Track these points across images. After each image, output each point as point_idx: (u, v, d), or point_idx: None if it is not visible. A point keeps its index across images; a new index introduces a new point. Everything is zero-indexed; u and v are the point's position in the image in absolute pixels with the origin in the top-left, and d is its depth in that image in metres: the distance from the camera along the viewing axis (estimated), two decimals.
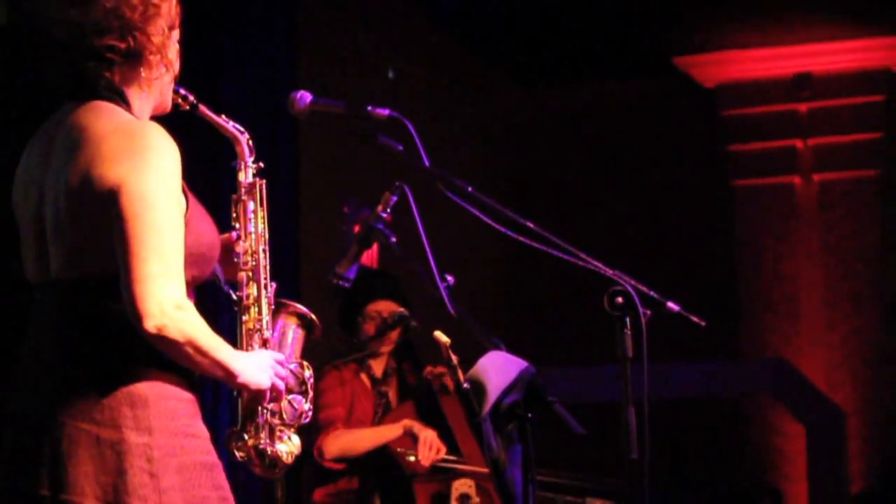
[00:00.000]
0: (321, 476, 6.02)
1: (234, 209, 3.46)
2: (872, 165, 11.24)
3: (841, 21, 10.48)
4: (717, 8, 10.15)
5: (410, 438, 5.91)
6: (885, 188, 11.27)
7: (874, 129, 11.20)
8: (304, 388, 3.42)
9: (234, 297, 3.41)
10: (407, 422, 5.94)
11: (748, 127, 11.43)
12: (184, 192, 3.10)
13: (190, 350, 3.00)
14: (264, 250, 3.44)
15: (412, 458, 5.86)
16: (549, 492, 6.03)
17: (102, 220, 2.99)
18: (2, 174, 3.41)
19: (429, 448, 5.87)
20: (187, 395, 3.12)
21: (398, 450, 5.91)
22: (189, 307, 3.00)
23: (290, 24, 7.39)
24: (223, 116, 3.46)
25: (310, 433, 5.90)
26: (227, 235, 3.46)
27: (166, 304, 2.94)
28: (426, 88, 10.54)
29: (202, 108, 3.41)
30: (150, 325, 2.93)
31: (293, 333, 3.51)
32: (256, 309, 3.40)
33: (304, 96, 3.82)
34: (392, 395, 6.22)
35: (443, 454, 5.91)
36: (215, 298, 3.38)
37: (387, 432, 5.96)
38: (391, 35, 10.12)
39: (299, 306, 3.52)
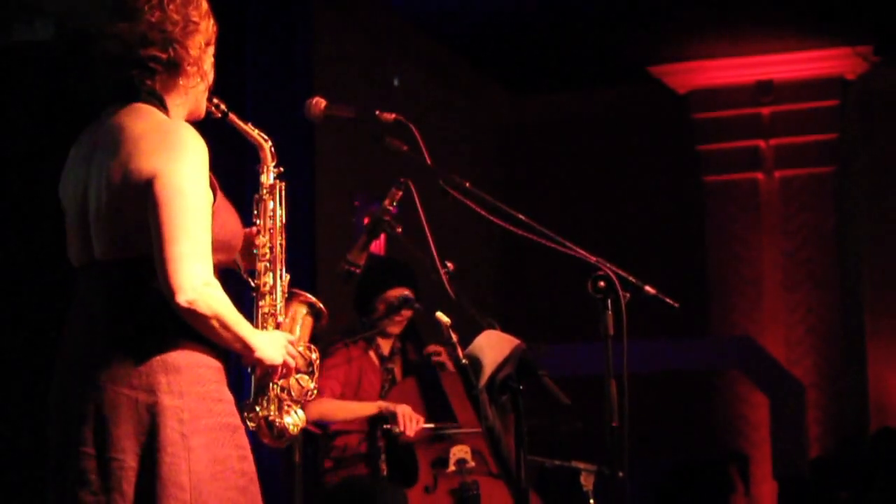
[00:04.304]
0: (334, 444, 6.02)
1: (255, 207, 3.48)
2: (828, 163, 11.25)
3: (800, 33, 10.48)
4: (688, 22, 10.15)
5: (387, 416, 5.90)
6: (840, 183, 11.29)
7: (830, 130, 11.22)
8: (310, 368, 3.44)
9: (253, 284, 3.43)
10: (381, 403, 5.93)
11: (716, 129, 11.44)
12: (212, 185, 3.12)
13: (216, 324, 3.03)
14: (281, 244, 3.46)
15: (397, 430, 5.86)
16: (537, 455, 6.03)
17: (140, 208, 3.02)
18: (49, 175, 3.42)
19: (409, 420, 5.85)
20: (215, 363, 3.13)
21: (385, 426, 5.90)
22: (216, 285, 3.03)
23: (308, 39, 7.39)
24: (250, 125, 3.48)
25: None
26: (248, 230, 3.48)
27: (197, 281, 2.97)
28: (427, 94, 10.53)
29: (232, 116, 3.43)
30: (182, 299, 2.96)
31: (302, 320, 3.52)
32: (272, 296, 3.42)
33: (319, 102, 3.83)
34: (397, 371, 6.22)
35: (422, 423, 5.89)
36: (238, 286, 3.40)
37: (363, 409, 5.94)
38: (396, 48, 10.12)
39: (309, 296, 3.53)
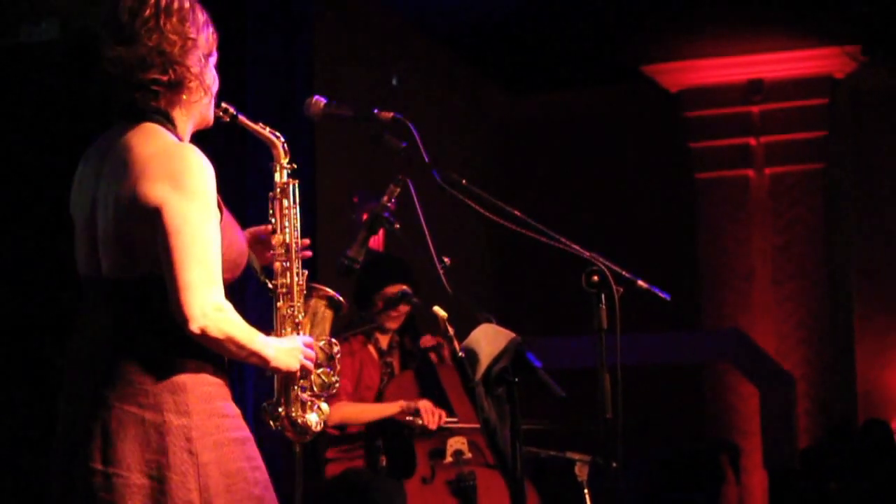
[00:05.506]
0: (334, 436, 6.03)
1: (270, 206, 3.46)
2: (817, 160, 11.26)
3: (789, 33, 10.49)
4: (680, 23, 10.16)
5: (409, 413, 5.91)
6: (829, 180, 11.30)
7: (819, 128, 11.23)
8: (332, 362, 3.44)
9: (270, 285, 3.42)
10: (402, 402, 5.94)
11: (708, 126, 11.45)
12: (218, 205, 3.10)
13: (230, 345, 3.04)
14: (297, 242, 3.45)
15: (420, 422, 5.87)
16: (533, 447, 6.03)
17: (147, 231, 3.01)
18: (55, 174, 3.42)
19: (431, 414, 5.88)
20: (218, 380, 3.13)
21: (407, 418, 5.91)
22: (228, 308, 3.03)
23: (308, 39, 7.38)
24: (260, 124, 3.46)
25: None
26: (264, 227, 3.47)
27: (207, 308, 2.97)
28: (425, 93, 10.53)
29: (241, 118, 3.41)
30: (195, 326, 2.96)
31: (323, 313, 3.51)
32: (290, 296, 3.41)
33: (319, 101, 3.82)
34: (396, 365, 6.22)
35: (445, 418, 5.92)
36: (242, 288, 3.40)
37: (385, 409, 5.96)
38: (395, 48, 10.11)
39: (328, 289, 3.52)
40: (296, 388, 3.37)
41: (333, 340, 3.47)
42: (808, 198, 11.21)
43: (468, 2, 9.71)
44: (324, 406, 3.41)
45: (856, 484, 9.38)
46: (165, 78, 3.13)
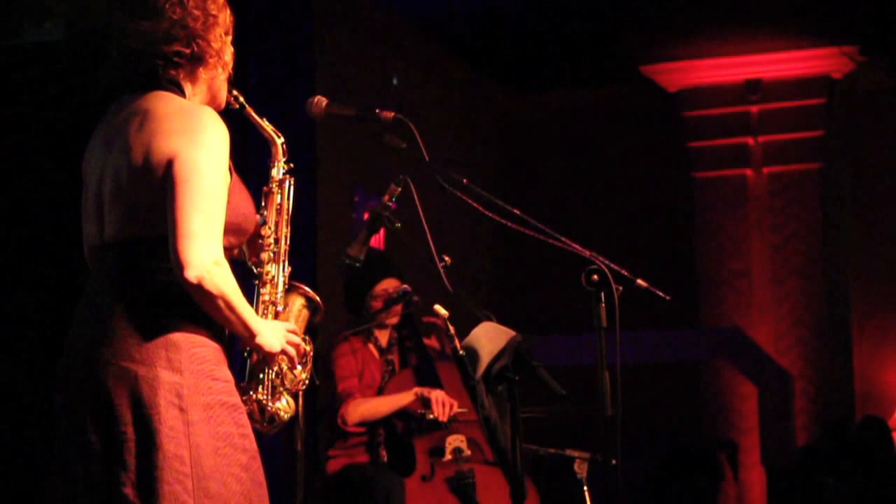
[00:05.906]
0: (335, 433, 6.02)
1: (263, 199, 3.49)
2: (815, 160, 11.26)
3: (787, 34, 10.49)
4: (679, 23, 10.16)
5: (421, 401, 5.91)
6: (826, 179, 11.30)
7: (816, 128, 11.23)
8: (304, 360, 3.44)
9: (256, 272, 3.44)
10: (417, 389, 5.93)
11: (706, 126, 11.44)
12: (229, 169, 3.14)
13: (221, 304, 3.03)
14: (286, 236, 3.47)
15: (431, 417, 5.86)
16: (532, 444, 6.03)
17: (155, 187, 3.04)
18: (56, 174, 3.43)
19: (442, 405, 5.87)
20: (214, 344, 3.13)
21: (418, 412, 5.90)
22: (226, 266, 3.04)
23: (308, 39, 7.38)
24: (265, 120, 3.50)
25: (332, 402, 5.93)
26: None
27: (207, 259, 2.98)
28: (426, 93, 10.53)
29: (249, 109, 3.46)
30: (192, 274, 2.96)
31: (299, 312, 3.52)
32: (273, 285, 3.42)
33: (321, 101, 3.82)
34: (396, 362, 6.22)
35: (456, 408, 5.91)
36: (243, 273, 3.41)
37: (401, 399, 5.95)
38: (396, 47, 10.11)
39: (308, 290, 3.53)
40: (271, 372, 3.36)
41: (307, 338, 3.47)
42: (805, 197, 11.21)
43: (468, 2, 9.71)
44: (290, 400, 3.41)
45: (853, 481, 9.39)
46: (188, 51, 3.19)
